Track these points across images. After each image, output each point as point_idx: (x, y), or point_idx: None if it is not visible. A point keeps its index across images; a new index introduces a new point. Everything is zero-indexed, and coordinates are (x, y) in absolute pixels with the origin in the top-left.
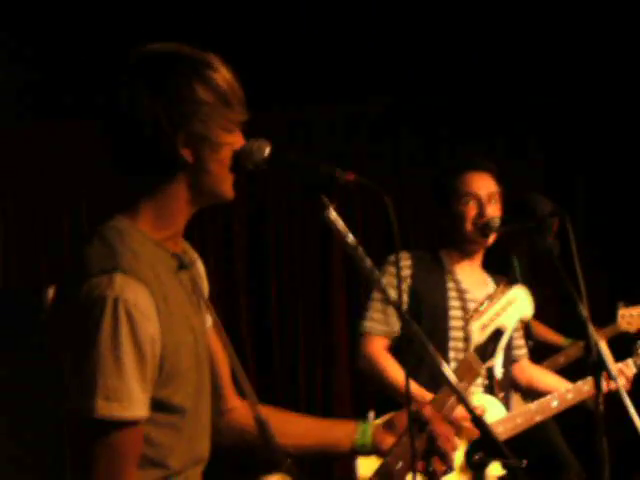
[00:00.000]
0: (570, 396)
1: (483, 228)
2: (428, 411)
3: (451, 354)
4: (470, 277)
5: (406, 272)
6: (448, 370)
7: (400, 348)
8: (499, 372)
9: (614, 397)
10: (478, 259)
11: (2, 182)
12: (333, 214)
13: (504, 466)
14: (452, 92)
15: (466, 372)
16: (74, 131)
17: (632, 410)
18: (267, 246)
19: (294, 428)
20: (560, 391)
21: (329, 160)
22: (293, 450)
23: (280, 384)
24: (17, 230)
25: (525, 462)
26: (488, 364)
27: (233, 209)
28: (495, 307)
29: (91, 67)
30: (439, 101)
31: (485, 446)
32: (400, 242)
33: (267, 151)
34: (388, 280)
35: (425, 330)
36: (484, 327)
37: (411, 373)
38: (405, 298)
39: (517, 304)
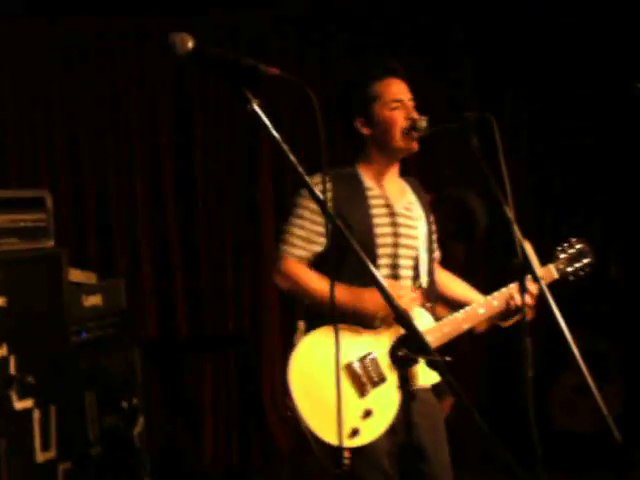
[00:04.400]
0: (496, 303)
1: (410, 130)
2: None
3: (380, 271)
4: (391, 189)
5: (327, 195)
6: (378, 273)
7: (328, 259)
8: (424, 280)
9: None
10: (396, 168)
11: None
12: (257, 108)
13: (428, 363)
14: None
15: None
16: (70, 28)
17: (557, 312)
18: (195, 149)
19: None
20: (487, 298)
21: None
22: None
23: (207, 290)
24: (15, 133)
25: (449, 359)
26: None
27: (160, 108)
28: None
29: None
30: (369, 8)
31: (409, 343)
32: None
33: (190, 44)
34: (311, 205)
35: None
36: None
37: (343, 280)
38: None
39: None
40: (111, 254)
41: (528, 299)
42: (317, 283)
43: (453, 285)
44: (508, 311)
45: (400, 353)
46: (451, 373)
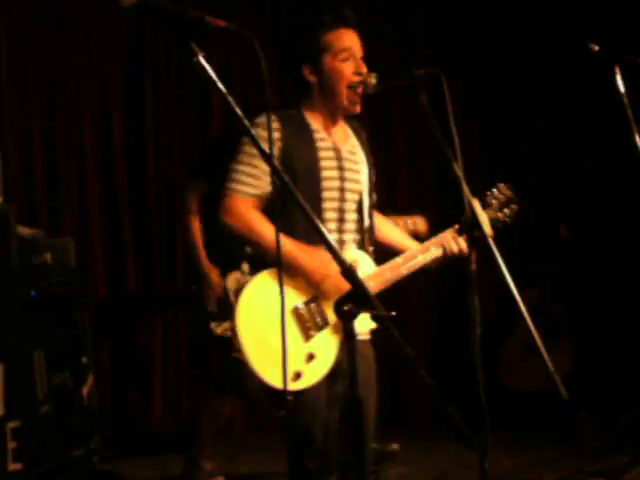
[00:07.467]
0: (433, 249)
1: (358, 85)
2: None
3: (326, 215)
4: (336, 133)
5: (275, 134)
6: (321, 225)
7: (272, 208)
8: (367, 223)
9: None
10: (341, 115)
11: None
12: (202, 61)
13: (373, 318)
14: None
15: None
16: None
17: (504, 270)
18: (146, 103)
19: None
20: (424, 244)
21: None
22: None
23: (157, 249)
24: None
25: (394, 313)
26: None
27: (110, 63)
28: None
29: None
30: None
31: (355, 298)
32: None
33: None
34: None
35: (300, 190)
36: None
37: (287, 230)
38: (277, 162)
39: None
40: (60, 212)
41: (461, 247)
42: (268, 230)
43: (389, 230)
44: (445, 257)
45: (345, 308)
46: (398, 328)
